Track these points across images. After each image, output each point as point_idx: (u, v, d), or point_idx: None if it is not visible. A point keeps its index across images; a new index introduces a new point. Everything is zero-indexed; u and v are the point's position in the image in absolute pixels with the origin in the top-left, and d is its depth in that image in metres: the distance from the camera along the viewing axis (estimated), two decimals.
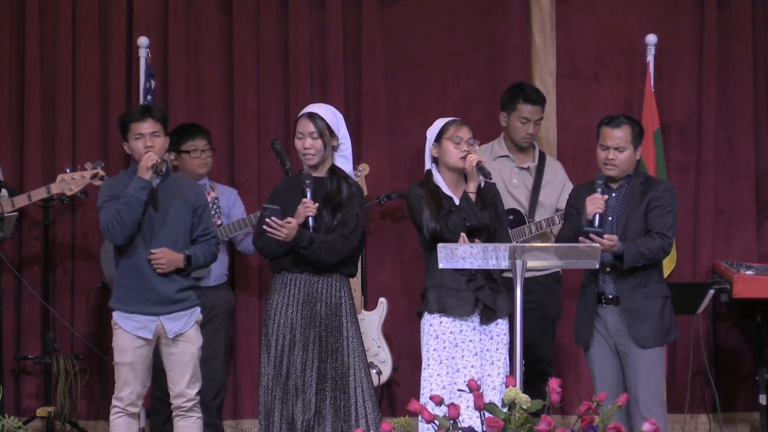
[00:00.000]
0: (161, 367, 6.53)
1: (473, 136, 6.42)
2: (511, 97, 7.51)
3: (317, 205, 6.30)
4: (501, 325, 6.35)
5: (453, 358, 6.29)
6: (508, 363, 6.35)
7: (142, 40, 7.97)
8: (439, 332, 6.31)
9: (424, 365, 6.34)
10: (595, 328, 6.40)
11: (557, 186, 7.51)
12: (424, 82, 8.20)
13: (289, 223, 6.24)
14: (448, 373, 6.28)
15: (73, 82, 8.13)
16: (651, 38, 7.97)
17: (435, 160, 6.45)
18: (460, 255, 5.85)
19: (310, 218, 6.29)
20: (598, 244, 6.06)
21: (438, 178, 6.42)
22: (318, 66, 8.14)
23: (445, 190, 6.39)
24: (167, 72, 8.11)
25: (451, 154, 6.37)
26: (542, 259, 6.20)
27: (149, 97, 7.86)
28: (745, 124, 8.16)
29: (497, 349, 6.33)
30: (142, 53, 7.97)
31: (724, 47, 8.15)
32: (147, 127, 6.34)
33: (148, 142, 6.32)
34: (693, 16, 8.14)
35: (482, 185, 6.37)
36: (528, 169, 7.53)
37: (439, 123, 6.44)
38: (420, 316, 6.39)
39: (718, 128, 8.13)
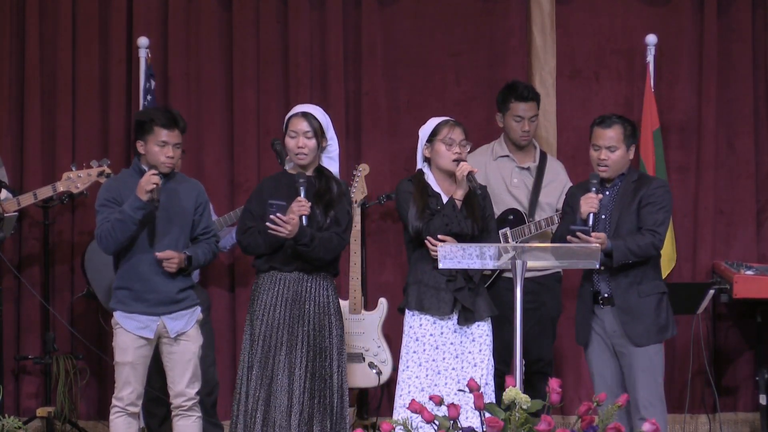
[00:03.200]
0: (155, 367, 6.52)
1: (466, 137, 6.41)
2: (504, 97, 7.52)
3: (310, 204, 6.30)
4: (483, 327, 6.35)
5: (434, 360, 6.30)
6: (492, 365, 6.35)
7: (142, 40, 7.97)
8: (419, 334, 6.31)
9: (402, 367, 6.34)
10: (593, 328, 6.41)
11: (558, 187, 7.50)
12: (424, 82, 8.20)
13: (293, 219, 6.24)
14: (427, 375, 6.28)
15: (73, 82, 8.13)
16: (651, 38, 7.97)
17: (427, 160, 6.45)
18: (459, 255, 5.84)
19: (304, 217, 6.30)
20: (596, 244, 6.05)
21: (429, 177, 6.42)
22: (318, 66, 8.14)
23: (435, 188, 6.39)
24: (167, 72, 8.11)
25: (443, 156, 6.36)
26: (542, 259, 6.20)
27: (149, 97, 7.86)
28: (745, 124, 8.16)
29: (480, 351, 6.32)
30: (142, 53, 7.97)
31: (724, 47, 8.15)
32: (173, 137, 6.33)
33: (170, 153, 6.31)
34: (693, 16, 8.14)
35: (478, 191, 6.34)
36: (528, 169, 7.53)
37: (432, 123, 6.43)
38: (401, 312, 6.40)
39: (718, 128, 8.13)
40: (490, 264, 5.88)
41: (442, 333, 6.30)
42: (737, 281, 7.51)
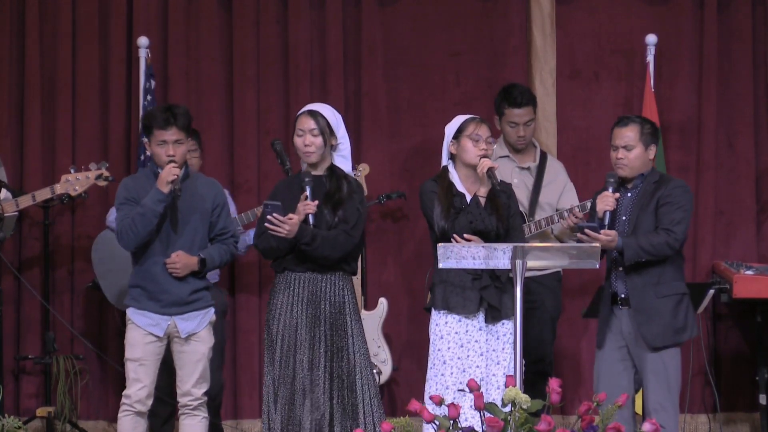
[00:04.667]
0: (160, 366, 6.52)
1: (492, 135, 6.44)
2: (499, 102, 7.54)
3: (317, 202, 6.29)
4: (507, 325, 6.34)
5: (459, 358, 6.30)
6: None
7: (142, 40, 7.97)
8: (444, 332, 6.32)
9: (429, 365, 6.36)
10: (609, 329, 6.37)
11: (558, 187, 7.51)
12: (424, 82, 8.20)
13: (291, 219, 6.24)
14: (452, 373, 6.28)
15: (73, 82, 8.13)
16: (651, 38, 7.97)
17: (452, 157, 6.46)
18: (459, 255, 5.84)
19: (311, 216, 6.29)
20: (597, 243, 6.05)
21: (454, 175, 6.42)
22: (318, 66, 8.14)
23: (459, 187, 6.40)
24: (167, 72, 8.11)
25: (470, 152, 6.37)
26: (542, 259, 6.19)
27: (149, 97, 7.86)
28: (745, 124, 8.16)
29: (503, 349, 6.32)
30: (142, 53, 7.97)
31: (724, 47, 8.14)
32: (170, 135, 6.31)
33: (170, 151, 6.30)
34: (693, 16, 8.14)
35: (497, 186, 6.35)
36: (529, 169, 7.54)
37: (459, 120, 6.44)
38: (428, 311, 6.41)
39: (718, 128, 8.13)
40: (489, 264, 5.89)
41: (467, 331, 6.31)
42: (737, 281, 7.51)
